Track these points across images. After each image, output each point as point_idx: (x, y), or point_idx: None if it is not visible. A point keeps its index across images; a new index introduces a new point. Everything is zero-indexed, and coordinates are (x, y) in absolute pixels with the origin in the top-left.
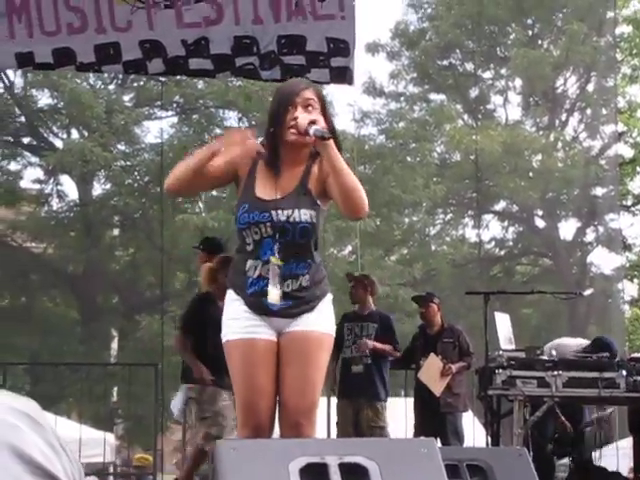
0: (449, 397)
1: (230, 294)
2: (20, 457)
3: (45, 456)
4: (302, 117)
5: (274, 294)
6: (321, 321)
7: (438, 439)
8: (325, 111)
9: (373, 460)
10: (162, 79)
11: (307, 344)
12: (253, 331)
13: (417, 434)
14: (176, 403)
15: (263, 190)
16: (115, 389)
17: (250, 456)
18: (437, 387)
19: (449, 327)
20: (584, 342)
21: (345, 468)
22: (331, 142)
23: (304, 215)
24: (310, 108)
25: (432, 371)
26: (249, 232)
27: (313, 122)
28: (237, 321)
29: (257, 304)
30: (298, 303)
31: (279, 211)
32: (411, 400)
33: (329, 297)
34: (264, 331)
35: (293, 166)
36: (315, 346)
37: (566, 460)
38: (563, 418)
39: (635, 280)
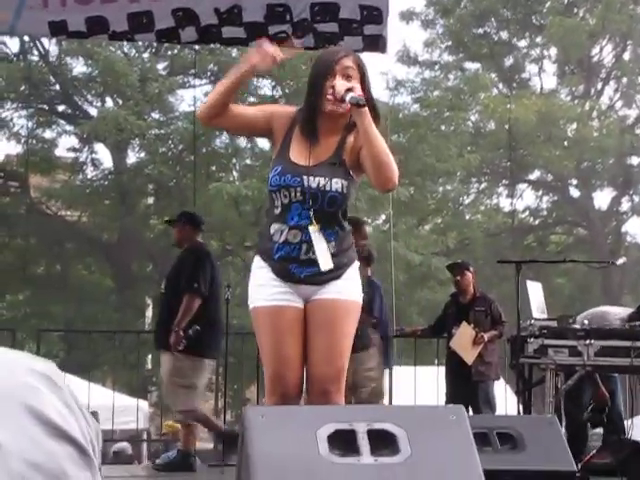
0: (481, 365)
1: (257, 261)
2: (38, 418)
3: (63, 417)
4: (340, 84)
5: (325, 259)
6: (348, 288)
7: (470, 407)
8: (364, 79)
9: (401, 427)
10: (196, 47)
11: (334, 312)
12: (281, 298)
13: (449, 402)
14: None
15: (298, 155)
16: (149, 357)
17: (278, 422)
18: (469, 355)
19: (481, 296)
20: (625, 310)
21: (373, 435)
22: (366, 110)
23: (335, 184)
24: (349, 77)
25: (464, 339)
26: (279, 195)
27: (350, 90)
28: (264, 288)
29: (284, 271)
30: (325, 271)
31: (311, 177)
32: (443, 369)
33: (356, 264)
34: (291, 299)
35: (329, 135)
36: (342, 314)
37: (600, 430)
38: (603, 388)
39: None
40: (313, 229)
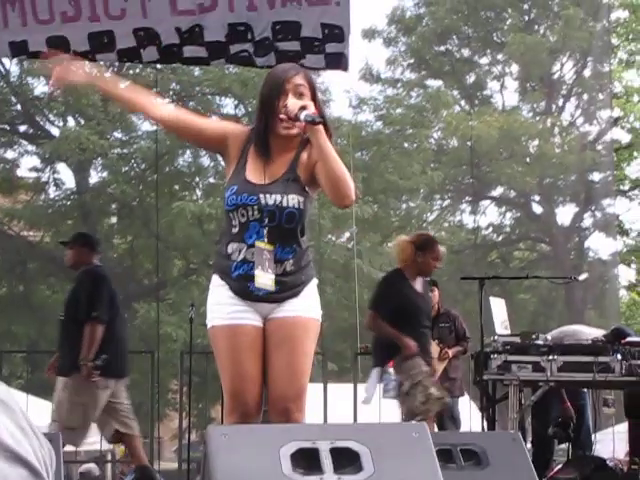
0: (445, 382)
1: (215, 279)
2: None
3: (15, 439)
4: (292, 103)
5: (266, 278)
6: (307, 306)
7: (435, 424)
8: (315, 96)
9: (364, 445)
10: (158, 66)
11: (293, 330)
12: (239, 317)
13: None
14: (370, 386)
15: (253, 174)
16: None
17: (241, 441)
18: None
19: (445, 312)
20: (597, 332)
21: (336, 453)
22: (320, 128)
23: (292, 200)
24: (301, 95)
25: None
26: (236, 214)
27: (304, 107)
28: (222, 307)
29: (242, 289)
30: (283, 288)
31: (267, 195)
32: None
33: (314, 282)
34: (249, 317)
35: (283, 153)
36: (301, 332)
37: (565, 445)
38: (568, 403)
39: (632, 265)
40: (263, 245)
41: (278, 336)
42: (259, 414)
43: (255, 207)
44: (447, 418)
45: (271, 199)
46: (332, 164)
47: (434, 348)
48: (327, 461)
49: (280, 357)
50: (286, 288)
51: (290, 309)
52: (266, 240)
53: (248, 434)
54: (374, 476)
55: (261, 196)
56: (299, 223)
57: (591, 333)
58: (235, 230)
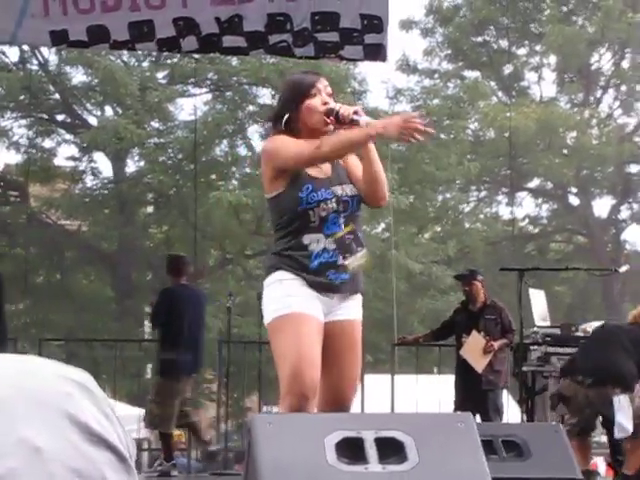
0: (490, 374)
1: (283, 274)
2: (77, 425)
3: (101, 424)
4: (343, 107)
5: (358, 258)
6: (360, 309)
7: (478, 415)
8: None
9: (409, 434)
10: (195, 56)
11: (357, 335)
12: (313, 307)
13: (457, 410)
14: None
15: (311, 170)
16: (149, 366)
17: (286, 430)
18: (480, 364)
19: (492, 304)
20: None
21: (381, 442)
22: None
23: (353, 189)
24: (330, 95)
25: (475, 348)
26: (317, 210)
27: (356, 112)
28: (294, 298)
29: (319, 280)
30: (354, 278)
31: (337, 187)
32: (444, 377)
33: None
34: (320, 310)
35: None
36: (359, 336)
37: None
38: None
39: None
40: (344, 231)
41: (346, 340)
42: (314, 399)
43: (333, 199)
44: (492, 410)
45: (341, 190)
46: (377, 167)
47: (480, 340)
48: (372, 451)
49: (348, 360)
50: (355, 278)
51: (352, 312)
52: (343, 227)
53: (293, 423)
54: (419, 466)
55: (334, 189)
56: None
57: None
58: (314, 224)
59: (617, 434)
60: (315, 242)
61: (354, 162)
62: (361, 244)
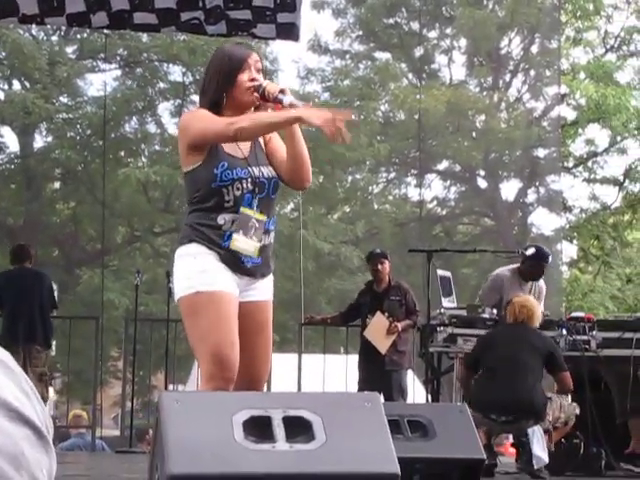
0: (394, 355)
1: (199, 248)
2: None
3: (20, 401)
4: (271, 85)
5: (246, 244)
6: (271, 290)
7: (381, 396)
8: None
9: (317, 413)
10: (106, 32)
11: (268, 315)
12: (230, 286)
13: (361, 390)
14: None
15: (228, 148)
16: (54, 343)
17: (194, 408)
18: (383, 345)
19: (396, 285)
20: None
21: (289, 421)
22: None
23: (272, 171)
24: (259, 70)
25: (378, 329)
26: (231, 188)
27: (283, 91)
28: (210, 274)
29: (232, 259)
30: (265, 261)
31: (254, 167)
32: (351, 357)
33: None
34: (235, 288)
35: None
36: (270, 316)
37: None
38: None
39: (574, 241)
40: (254, 214)
41: (257, 320)
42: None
43: (248, 179)
44: (396, 390)
45: (258, 171)
46: (302, 148)
47: (384, 321)
48: (279, 429)
49: (260, 341)
50: (267, 261)
51: (264, 293)
52: (257, 210)
53: (201, 401)
54: (326, 445)
55: (250, 169)
56: (277, 194)
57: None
58: (229, 204)
59: (536, 465)
60: (230, 222)
61: (277, 144)
62: (260, 235)
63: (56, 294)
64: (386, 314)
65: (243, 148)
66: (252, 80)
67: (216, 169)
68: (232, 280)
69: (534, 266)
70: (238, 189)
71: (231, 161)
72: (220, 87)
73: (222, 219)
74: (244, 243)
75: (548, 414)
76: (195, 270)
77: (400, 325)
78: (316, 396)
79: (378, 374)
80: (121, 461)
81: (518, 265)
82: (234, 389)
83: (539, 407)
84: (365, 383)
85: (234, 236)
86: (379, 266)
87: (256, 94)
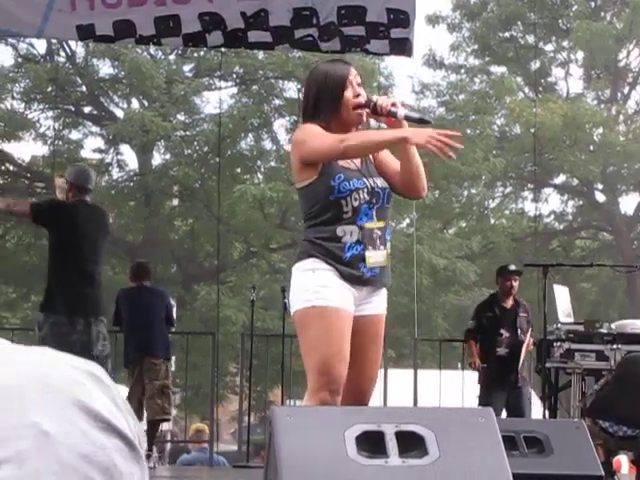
0: (523, 371)
1: (316, 263)
2: (87, 413)
3: (111, 412)
4: (381, 98)
5: (378, 256)
6: (385, 303)
7: (504, 411)
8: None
9: (429, 429)
10: (222, 50)
11: (380, 329)
12: (346, 302)
13: (486, 405)
14: None
15: (342, 161)
16: (173, 358)
17: (306, 423)
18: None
19: (521, 302)
20: None
21: (401, 436)
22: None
23: (384, 182)
24: (359, 84)
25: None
26: (349, 199)
27: (394, 104)
28: (329, 289)
29: (352, 272)
30: (385, 271)
31: (368, 178)
32: (467, 373)
33: None
34: (352, 303)
35: None
36: (382, 330)
37: None
38: None
39: None
40: (374, 225)
41: (370, 335)
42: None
43: (365, 190)
44: (526, 405)
45: (373, 182)
46: (417, 159)
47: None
48: (392, 444)
49: (370, 355)
50: (386, 271)
51: (378, 307)
52: (375, 219)
53: (313, 415)
54: (439, 460)
55: (365, 180)
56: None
57: None
58: (347, 215)
59: None
60: (349, 234)
61: (386, 156)
62: (385, 242)
63: (174, 311)
64: (519, 331)
65: (355, 161)
66: (357, 96)
67: (333, 181)
68: (349, 295)
69: None
70: (356, 199)
71: (347, 173)
72: (327, 107)
73: (342, 231)
74: (375, 256)
75: None
76: (313, 284)
77: (532, 342)
78: (429, 411)
79: (510, 390)
80: (239, 476)
81: None
82: (349, 401)
83: None
84: (491, 398)
85: (367, 254)
86: (513, 282)
87: (367, 109)
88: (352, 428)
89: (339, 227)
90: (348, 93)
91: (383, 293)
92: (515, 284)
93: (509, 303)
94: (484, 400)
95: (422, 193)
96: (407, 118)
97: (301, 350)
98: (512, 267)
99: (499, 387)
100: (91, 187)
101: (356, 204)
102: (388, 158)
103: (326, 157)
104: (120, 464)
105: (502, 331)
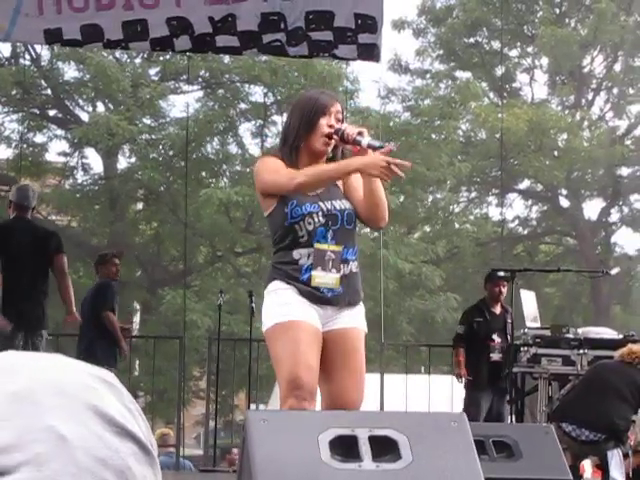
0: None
1: (278, 284)
2: (102, 417)
3: (124, 417)
4: (349, 127)
5: (326, 278)
6: (361, 320)
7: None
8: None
9: (403, 433)
10: (188, 53)
11: (357, 342)
12: (306, 315)
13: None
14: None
15: None
16: (137, 362)
17: (280, 427)
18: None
19: (507, 307)
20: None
21: (375, 440)
22: (376, 154)
23: (345, 203)
24: (339, 121)
25: None
26: (302, 224)
27: (361, 133)
28: (289, 306)
29: (311, 291)
30: (348, 290)
31: (325, 202)
32: (433, 377)
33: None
34: (314, 318)
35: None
36: (361, 344)
37: None
38: None
39: None
40: (330, 247)
41: (344, 346)
42: (313, 403)
43: (319, 213)
44: (506, 409)
45: (330, 204)
46: (380, 191)
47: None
48: (365, 448)
49: (349, 366)
50: (351, 290)
51: (351, 321)
52: (332, 242)
53: (287, 420)
54: (412, 464)
55: (320, 203)
56: (356, 224)
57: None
58: (303, 239)
59: None
60: (305, 257)
61: (356, 183)
62: (339, 267)
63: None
64: (509, 336)
65: None
66: (330, 127)
67: (287, 208)
68: (312, 311)
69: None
70: (309, 223)
71: (300, 198)
72: (300, 132)
73: (298, 254)
74: (323, 277)
75: (630, 438)
76: (276, 304)
77: None
78: (402, 415)
79: (498, 395)
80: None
81: None
82: None
83: (621, 430)
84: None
85: (313, 273)
86: (502, 288)
87: (335, 137)
88: (326, 432)
89: (295, 251)
90: (323, 121)
91: (357, 310)
92: (504, 290)
93: (497, 309)
94: (473, 402)
95: (381, 223)
96: (370, 146)
97: (273, 365)
98: (501, 273)
99: (488, 390)
100: (29, 205)
101: (310, 228)
102: (356, 183)
103: (279, 192)
104: (134, 467)
105: (494, 336)
